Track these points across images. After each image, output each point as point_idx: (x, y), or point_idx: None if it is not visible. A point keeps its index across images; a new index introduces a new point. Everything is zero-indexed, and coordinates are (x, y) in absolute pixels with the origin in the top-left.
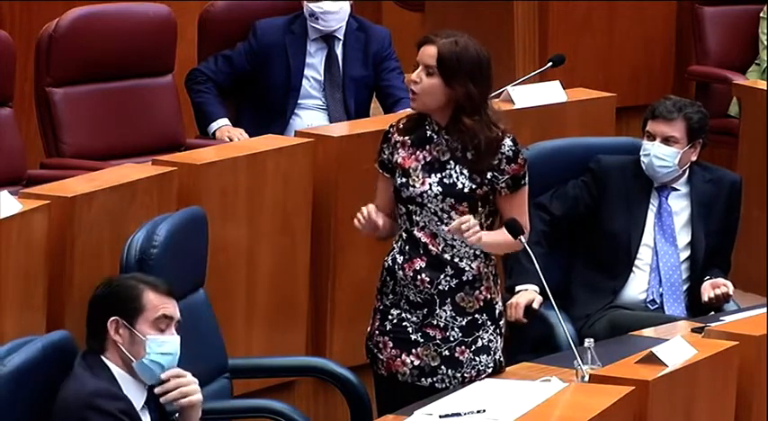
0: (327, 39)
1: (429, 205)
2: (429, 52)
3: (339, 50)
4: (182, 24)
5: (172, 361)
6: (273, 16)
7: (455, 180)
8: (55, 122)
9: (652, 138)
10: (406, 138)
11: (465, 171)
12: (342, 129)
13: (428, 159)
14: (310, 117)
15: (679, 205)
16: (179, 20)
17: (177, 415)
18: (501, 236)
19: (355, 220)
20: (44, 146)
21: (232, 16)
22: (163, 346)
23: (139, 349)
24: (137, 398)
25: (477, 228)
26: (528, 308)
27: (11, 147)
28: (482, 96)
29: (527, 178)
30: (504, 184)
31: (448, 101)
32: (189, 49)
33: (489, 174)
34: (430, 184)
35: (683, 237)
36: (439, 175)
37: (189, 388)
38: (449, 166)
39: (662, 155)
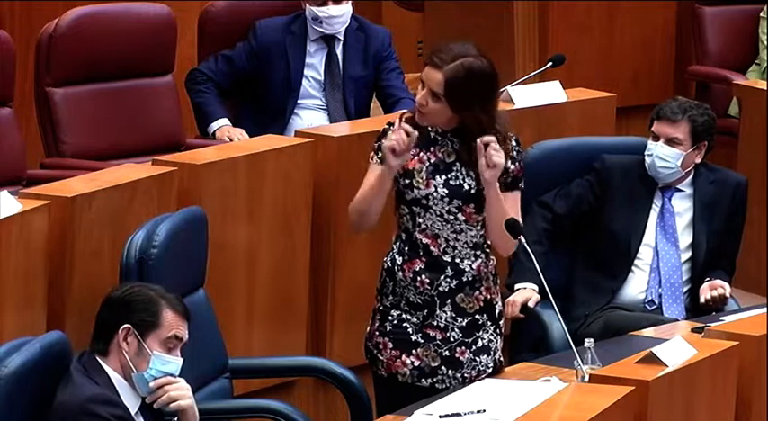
0: (327, 39)
1: (435, 207)
2: (435, 79)
3: (339, 50)
4: (182, 24)
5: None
6: (273, 16)
7: (461, 181)
8: (55, 122)
9: (656, 138)
10: None
11: (471, 172)
12: (342, 129)
13: (432, 160)
14: (310, 117)
15: (682, 206)
16: (179, 20)
17: (176, 419)
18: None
19: (391, 142)
20: (44, 146)
21: (232, 16)
22: (166, 365)
23: (143, 362)
24: (132, 403)
25: (503, 156)
26: (524, 306)
27: (11, 148)
28: (490, 116)
29: (523, 183)
30: (501, 181)
31: (454, 118)
32: (189, 49)
33: None
34: (435, 186)
35: (685, 239)
36: (444, 177)
37: (177, 393)
38: (454, 168)
39: (664, 155)
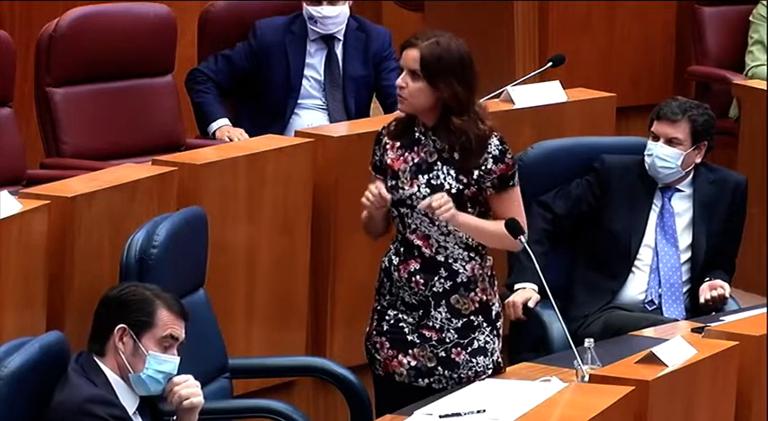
0: (327, 39)
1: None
2: (412, 56)
3: (339, 50)
4: (182, 24)
5: (167, 380)
6: (273, 16)
7: (443, 181)
8: (55, 122)
9: (656, 138)
10: (396, 141)
11: (452, 172)
12: (342, 129)
13: (416, 161)
14: (310, 117)
15: (682, 206)
16: (179, 20)
17: (174, 418)
18: (492, 225)
19: (363, 199)
20: (44, 146)
21: (232, 16)
22: (162, 365)
23: (139, 362)
24: (130, 403)
25: (450, 205)
26: (525, 306)
27: (11, 147)
28: (468, 95)
29: (516, 179)
30: (489, 184)
31: (435, 102)
32: (189, 49)
33: (476, 174)
34: (418, 186)
35: (685, 239)
36: (426, 177)
37: (188, 391)
38: (436, 167)
39: (664, 156)
